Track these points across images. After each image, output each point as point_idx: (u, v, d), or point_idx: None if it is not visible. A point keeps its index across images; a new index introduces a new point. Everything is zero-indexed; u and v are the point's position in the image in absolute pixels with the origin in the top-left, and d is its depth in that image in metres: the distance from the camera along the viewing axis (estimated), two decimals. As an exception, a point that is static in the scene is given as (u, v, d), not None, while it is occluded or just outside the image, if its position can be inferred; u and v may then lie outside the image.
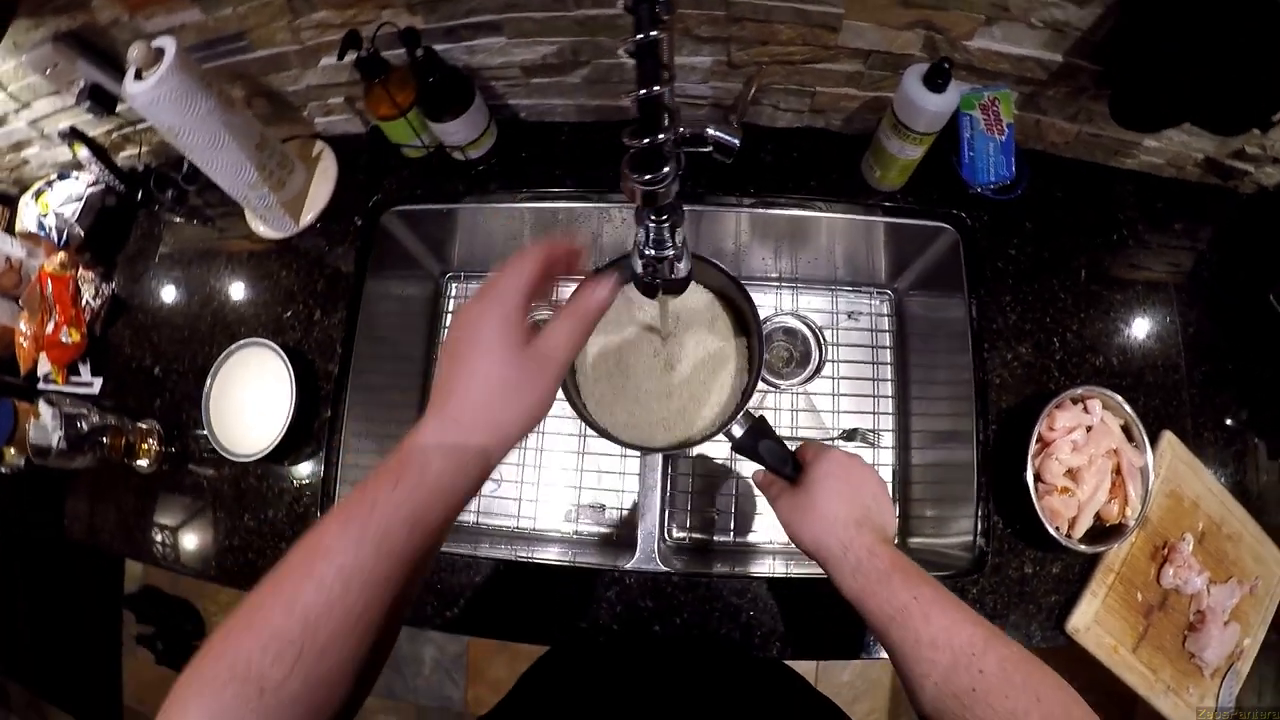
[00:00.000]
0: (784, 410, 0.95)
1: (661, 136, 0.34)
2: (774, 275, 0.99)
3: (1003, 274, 0.79)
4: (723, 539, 0.91)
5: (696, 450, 0.95)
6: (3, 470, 0.76)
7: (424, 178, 0.88)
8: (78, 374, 0.89)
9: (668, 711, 0.50)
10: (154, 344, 0.88)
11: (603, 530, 0.93)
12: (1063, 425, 0.69)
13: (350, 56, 0.72)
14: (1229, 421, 0.76)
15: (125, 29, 0.76)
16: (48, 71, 0.82)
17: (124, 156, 0.97)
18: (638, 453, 0.89)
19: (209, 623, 1.72)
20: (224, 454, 0.78)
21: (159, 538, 0.81)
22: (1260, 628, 0.74)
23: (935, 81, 0.66)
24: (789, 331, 0.98)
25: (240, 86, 0.85)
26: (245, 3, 0.73)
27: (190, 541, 0.80)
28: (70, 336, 0.86)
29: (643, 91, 0.32)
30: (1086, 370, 0.76)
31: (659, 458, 0.81)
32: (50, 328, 0.85)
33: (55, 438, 0.74)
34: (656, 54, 0.31)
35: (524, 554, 0.82)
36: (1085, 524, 0.68)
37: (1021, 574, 0.71)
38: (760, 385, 0.95)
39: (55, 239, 0.93)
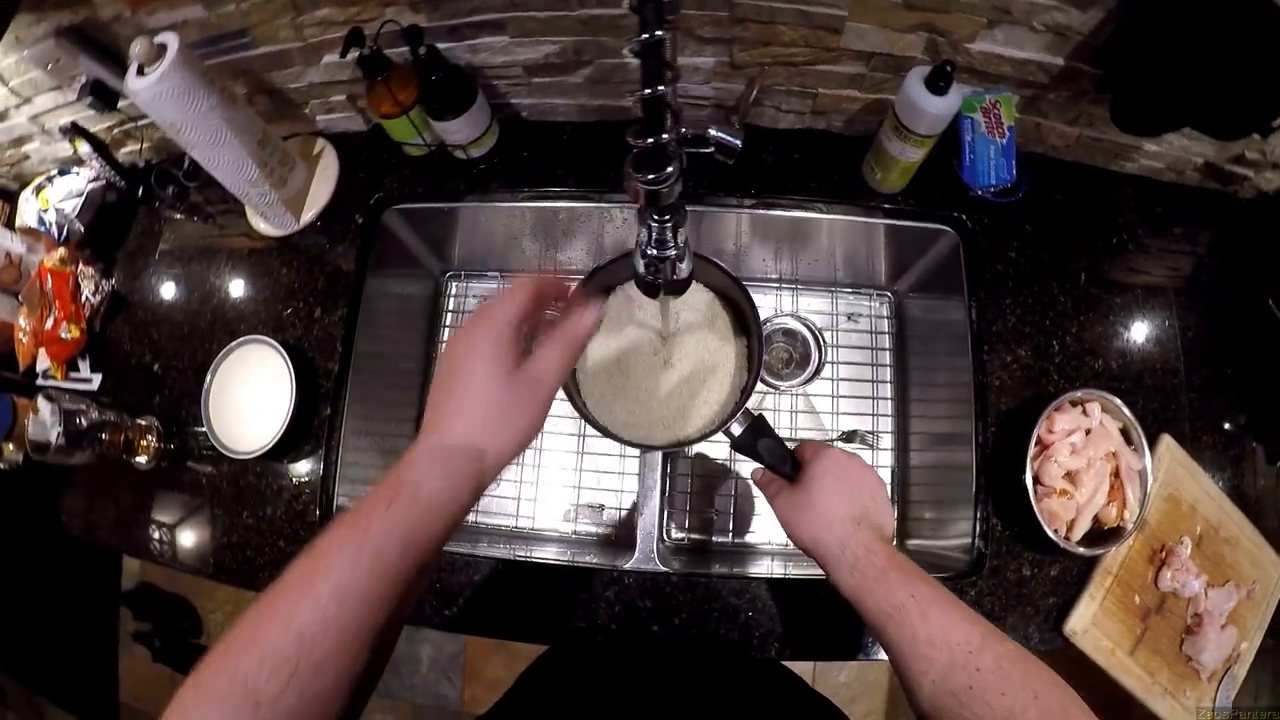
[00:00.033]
0: (783, 411, 0.95)
1: (665, 136, 0.34)
2: (774, 276, 0.99)
3: (1003, 277, 0.79)
4: (721, 539, 0.91)
5: (695, 450, 0.95)
6: (1, 466, 0.76)
7: (425, 176, 0.88)
8: (77, 370, 0.89)
9: (667, 712, 0.50)
10: (154, 340, 0.88)
11: (602, 530, 0.93)
12: (1062, 428, 0.69)
13: (353, 54, 0.72)
14: (1227, 426, 0.76)
15: (127, 25, 0.76)
16: (49, 67, 0.82)
17: (125, 152, 0.96)
18: (637, 451, 0.89)
19: (206, 620, 1.72)
20: (223, 451, 0.78)
21: (157, 535, 0.81)
22: (1257, 631, 0.74)
23: (937, 84, 0.66)
24: (789, 333, 0.98)
25: (242, 83, 0.85)
26: (248, -1, 0.73)
27: (188, 539, 0.80)
28: (70, 332, 0.86)
29: (647, 91, 0.32)
30: (1086, 373, 0.76)
31: (658, 458, 0.82)
32: (50, 323, 0.85)
33: (54, 434, 0.73)
34: (661, 54, 0.31)
35: (522, 553, 0.82)
36: (1083, 527, 0.68)
37: (1020, 576, 0.71)
38: (759, 386, 0.96)
39: (55, 234, 0.93)
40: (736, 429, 0.52)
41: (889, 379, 0.96)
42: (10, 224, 0.98)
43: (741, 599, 0.72)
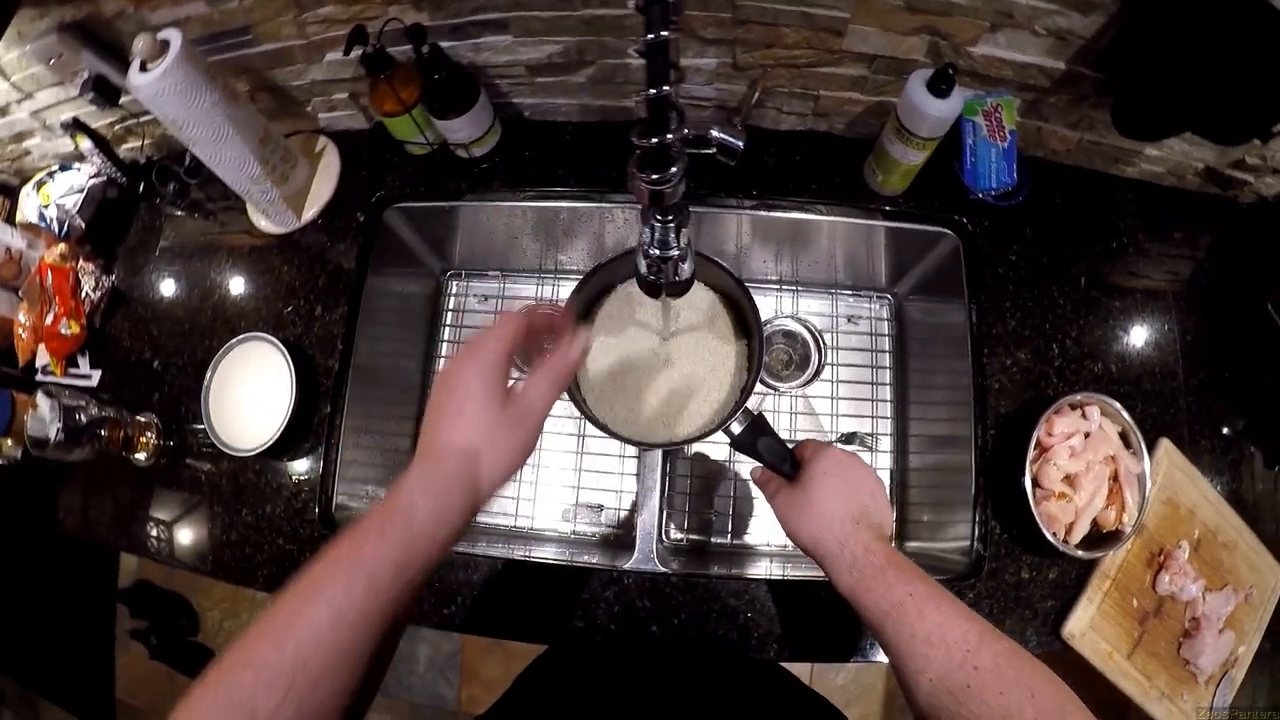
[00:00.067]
0: (783, 413, 0.95)
1: (670, 136, 0.34)
2: (774, 278, 0.99)
3: (1003, 280, 0.79)
4: (720, 540, 0.91)
5: (694, 451, 0.95)
6: (0, 462, 0.76)
7: (427, 175, 0.88)
8: (76, 366, 0.89)
9: (666, 712, 0.50)
10: (153, 337, 0.88)
11: (601, 530, 0.93)
12: (1061, 431, 0.69)
13: (356, 52, 0.72)
14: (1226, 430, 0.77)
15: (130, 21, 0.76)
16: (51, 62, 0.82)
17: (126, 149, 0.96)
18: (637, 451, 0.89)
19: (203, 617, 1.72)
20: (223, 448, 0.78)
21: (156, 532, 0.81)
22: (1255, 636, 0.74)
23: (939, 87, 0.66)
24: (789, 334, 0.98)
25: (245, 80, 0.85)
26: (251, -3, 0.73)
27: (187, 536, 0.80)
28: (69, 328, 0.85)
29: (652, 91, 0.32)
30: (1085, 377, 0.76)
31: (658, 458, 0.82)
32: (49, 319, 0.85)
33: (53, 430, 0.73)
34: (666, 54, 0.31)
35: (521, 553, 0.82)
36: (1082, 530, 0.68)
37: (1018, 579, 0.71)
38: (759, 388, 0.96)
39: (56, 230, 0.92)
40: (736, 428, 0.52)
41: (889, 381, 0.96)
42: (11, 219, 0.98)
43: (740, 600, 0.72)
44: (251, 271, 0.88)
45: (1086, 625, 0.68)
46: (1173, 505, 0.72)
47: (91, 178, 0.94)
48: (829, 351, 0.97)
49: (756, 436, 0.52)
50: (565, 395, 0.56)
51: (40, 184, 0.95)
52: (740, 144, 0.65)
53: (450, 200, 0.88)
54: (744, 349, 0.60)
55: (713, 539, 0.91)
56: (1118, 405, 0.70)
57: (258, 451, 0.76)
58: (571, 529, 0.93)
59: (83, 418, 0.76)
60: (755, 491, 0.93)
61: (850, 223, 0.84)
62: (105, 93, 0.82)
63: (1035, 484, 0.68)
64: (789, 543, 0.89)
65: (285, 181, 0.84)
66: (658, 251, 0.44)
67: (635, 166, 0.37)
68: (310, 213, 0.88)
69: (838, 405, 0.96)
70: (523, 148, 0.87)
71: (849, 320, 0.99)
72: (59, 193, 0.93)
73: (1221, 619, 0.71)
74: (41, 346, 0.86)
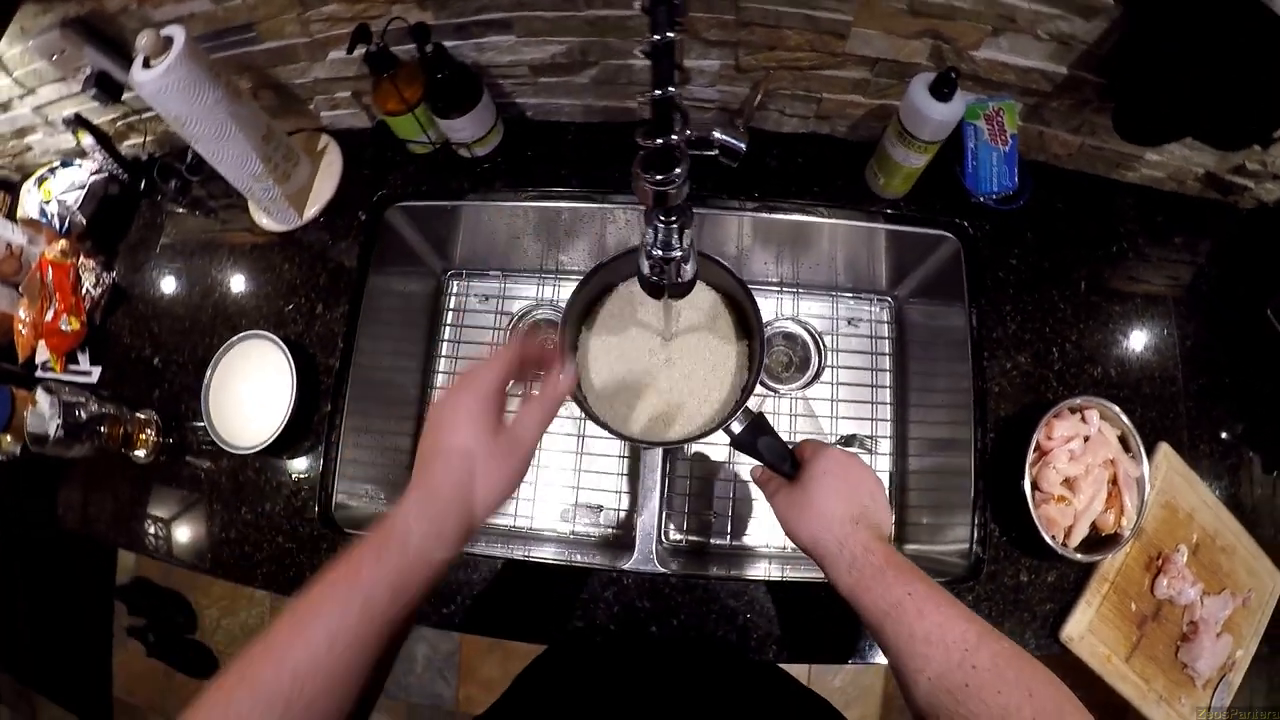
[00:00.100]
0: (783, 415, 0.95)
1: (675, 137, 0.34)
2: (775, 280, 0.99)
3: (1003, 283, 0.79)
4: (719, 541, 0.92)
5: (694, 451, 0.95)
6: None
7: (429, 174, 0.88)
8: (76, 362, 0.88)
9: (665, 713, 0.50)
10: (154, 334, 0.88)
11: (600, 531, 0.93)
12: (1060, 435, 0.69)
13: (359, 50, 0.72)
14: (1224, 435, 0.77)
15: (134, 17, 0.76)
16: (54, 57, 0.82)
17: (128, 145, 0.96)
18: (636, 451, 0.89)
19: (201, 616, 1.71)
20: (222, 446, 0.78)
21: (155, 529, 0.80)
22: (1252, 640, 0.74)
23: (941, 91, 0.66)
24: (789, 336, 0.98)
25: (248, 78, 0.85)
26: (255, -6, 0.73)
27: (186, 533, 0.80)
28: (70, 324, 0.85)
29: (657, 92, 0.32)
30: (1085, 381, 0.76)
31: (657, 459, 0.82)
32: (50, 315, 0.85)
33: (53, 426, 0.73)
34: (672, 55, 0.31)
35: (521, 553, 0.82)
36: (1081, 533, 0.68)
37: (1017, 582, 0.71)
38: (759, 390, 0.96)
39: (57, 226, 0.92)
40: (737, 427, 0.53)
41: (888, 384, 0.97)
42: (12, 215, 0.97)
43: (739, 601, 0.72)
44: (253, 269, 0.88)
45: (1085, 628, 0.68)
46: (1171, 509, 0.72)
47: (93, 174, 0.94)
48: (829, 354, 0.97)
49: (757, 436, 0.52)
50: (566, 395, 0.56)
51: (42, 180, 0.95)
52: (742, 146, 0.65)
53: (452, 200, 0.88)
54: (744, 349, 0.60)
55: (712, 540, 0.92)
56: (1117, 409, 0.70)
57: (258, 449, 0.76)
58: (571, 529, 0.93)
59: (82, 414, 0.76)
60: (754, 493, 0.93)
61: (851, 225, 0.84)
62: (108, 89, 0.82)
63: (1034, 487, 0.68)
64: (788, 544, 0.89)
65: (287, 179, 0.84)
66: (661, 252, 0.45)
67: (640, 167, 0.37)
68: (312, 211, 0.88)
69: (837, 408, 0.96)
70: (525, 148, 0.87)
71: (849, 323, 0.99)
72: (60, 188, 0.93)
73: (1219, 623, 0.71)
74: (41, 342, 0.86)
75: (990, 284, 0.79)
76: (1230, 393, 0.77)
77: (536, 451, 0.44)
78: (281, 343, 0.79)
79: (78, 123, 0.88)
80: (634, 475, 0.92)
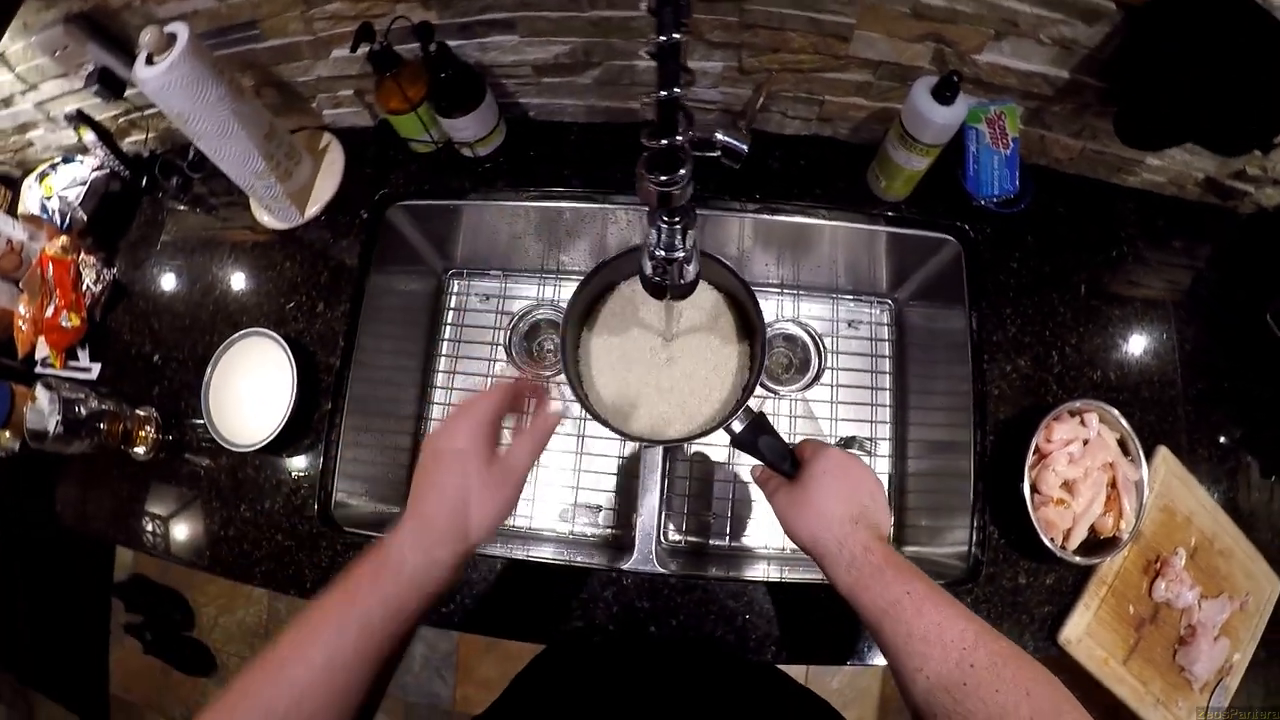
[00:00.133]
0: (782, 416, 0.96)
1: (680, 138, 0.34)
2: (775, 281, 0.99)
3: (1004, 287, 0.79)
4: (718, 542, 0.92)
5: (694, 451, 0.95)
6: (-1, 453, 0.75)
7: (431, 173, 0.88)
8: (76, 359, 0.88)
9: (664, 713, 0.50)
10: (154, 331, 0.88)
11: (599, 531, 0.93)
12: (1060, 438, 0.69)
13: (363, 49, 0.72)
14: (1223, 439, 0.77)
15: (137, 13, 0.76)
16: (57, 53, 0.82)
17: (130, 142, 0.96)
18: (637, 446, 0.89)
19: (198, 613, 1.71)
20: (222, 443, 0.78)
21: (153, 526, 0.80)
22: (1250, 643, 0.74)
23: (943, 94, 0.66)
24: (789, 338, 0.99)
25: (250, 75, 0.85)
26: (259, -8, 0.73)
27: (185, 531, 0.80)
28: (70, 321, 0.85)
29: (663, 93, 0.32)
30: (1084, 384, 0.76)
31: (657, 459, 0.82)
32: (50, 311, 0.85)
33: (52, 422, 0.73)
34: (677, 56, 0.31)
35: (520, 553, 0.82)
36: (1080, 536, 0.68)
37: (1015, 584, 0.71)
38: (759, 391, 0.96)
39: (58, 222, 0.92)
40: (737, 426, 0.53)
41: (888, 386, 0.97)
42: (13, 211, 0.97)
43: (739, 602, 0.72)
44: (254, 267, 0.87)
45: (1083, 631, 0.69)
46: (1170, 512, 0.73)
47: (94, 170, 0.93)
48: (829, 356, 0.97)
49: (757, 435, 0.52)
50: (569, 392, 0.57)
51: (43, 176, 0.95)
52: (745, 148, 0.65)
53: (454, 199, 0.88)
54: (745, 350, 0.60)
55: (711, 540, 0.92)
56: (1116, 413, 0.70)
57: (257, 447, 0.76)
58: (570, 529, 0.93)
59: (82, 411, 0.76)
60: (754, 494, 0.93)
61: (852, 227, 0.84)
62: (110, 85, 0.82)
63: (1034, 490, 0.69)
64: (787, 545, 0.89)
65: (289, 177, 0.84)
66: (664, 253, 0.45)
67: (644, 168, 0.37)
68: (314, 209, 0.88)
69: (837, 409, 0.96)
70: (527, 148, 0.87)
71: (849, 325, 0.99)
72: (61, 185, 0.93)
73: (1217, 626, 0.72)
74: (41, 339, 0.86)
75: (991, 287, 0.79)
76: (1229, 397, 0.78)
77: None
78: (282, 341, 0.79)
79: (80, 119, 0.88)
80: (633, 475, 0.92)
